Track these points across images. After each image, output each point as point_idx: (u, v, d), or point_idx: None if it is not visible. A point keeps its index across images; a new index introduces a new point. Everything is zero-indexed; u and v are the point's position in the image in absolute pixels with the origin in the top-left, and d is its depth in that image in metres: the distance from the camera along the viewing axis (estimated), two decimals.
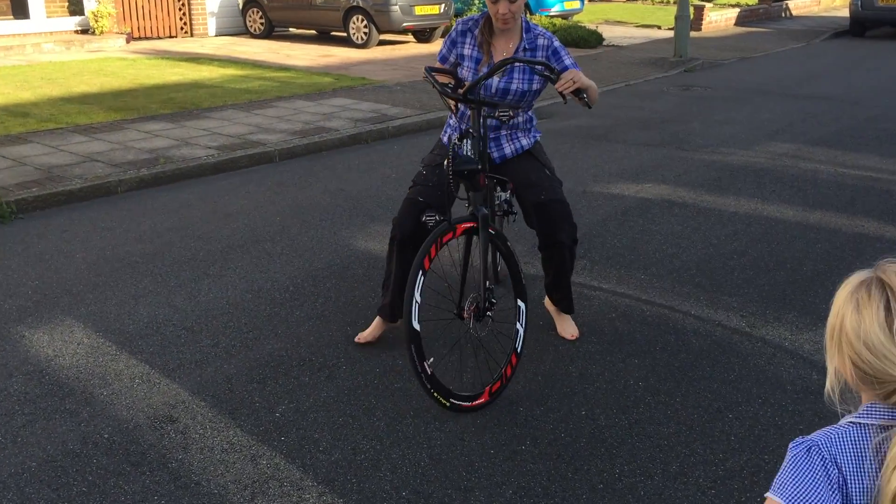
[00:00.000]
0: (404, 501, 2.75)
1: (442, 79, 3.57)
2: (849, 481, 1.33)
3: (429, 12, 15.12)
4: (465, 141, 3.28)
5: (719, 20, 20.47)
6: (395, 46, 15.43)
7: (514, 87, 3.64)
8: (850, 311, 1.36)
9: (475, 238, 3.39)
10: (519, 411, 3.31)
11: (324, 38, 16.49)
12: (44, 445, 3.01)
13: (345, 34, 15.11)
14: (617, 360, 3.75)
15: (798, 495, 1.33)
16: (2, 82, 10.23)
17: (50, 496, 2.76)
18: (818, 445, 1.35)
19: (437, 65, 3.72)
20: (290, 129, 8.15)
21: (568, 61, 3.64)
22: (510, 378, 3.43)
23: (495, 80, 3.60)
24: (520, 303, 3.56)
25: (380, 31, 14.80)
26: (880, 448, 1.31)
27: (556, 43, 3.70)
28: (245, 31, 16.53)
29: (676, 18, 14.09)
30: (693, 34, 16.42)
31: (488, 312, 3.43)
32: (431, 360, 3.19)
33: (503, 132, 3.78)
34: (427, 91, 10.76)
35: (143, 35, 15.30)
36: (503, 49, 3.66)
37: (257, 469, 2.91)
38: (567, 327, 3.99)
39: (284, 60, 13.09)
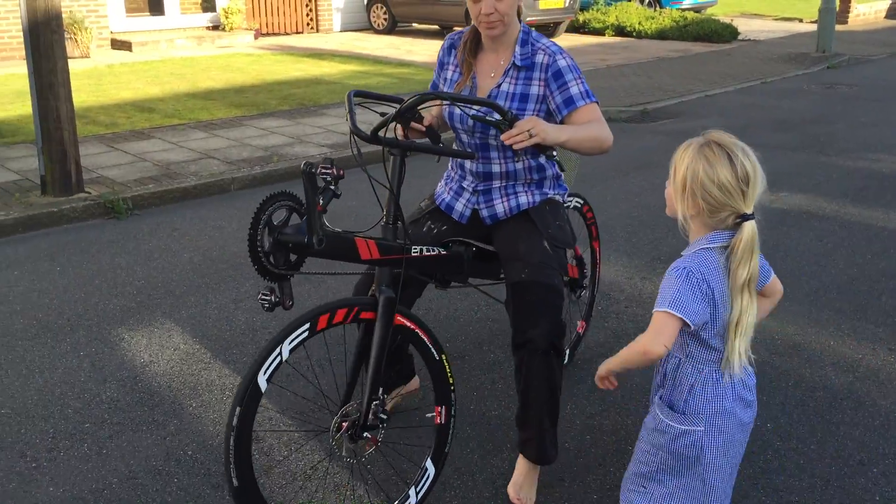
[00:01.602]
0: None
1: (382, 107, 2.64)
2: (714, 291, 1.91)
3: (553, 6, 14.75)
4: (325, 193, 2.23)
5: (868, 13, 19.11)
6: None
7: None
8: (702, 166, 1.89)
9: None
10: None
11: (446, 33, 16.37)
12: (127, 460, 2.92)
13: None
14: None
15: (683, 306, 1.87)
16: (134, 77, 10.57)
17: None
18: (692, 269, 1.90)
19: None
20: None
21: (575, 89, 2.62)
22: None
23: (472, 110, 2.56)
24: (428, 464, 2.60)
25: None
26: (727, 262, 1.92)
27: (563, 62, 2.63)
28: (369, 27, 16.63)
29: (820, 11, 13.21)
30: (838, 28, 15.35)
31: (366, 433, 2.42)
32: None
33: (496, 184, 2.81)
34: None
35: (270, 31, 15.61)
36: (491, 67, 2.73)
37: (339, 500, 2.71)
38: (523, 487, 2.68)
39: (405, 56, 13.03)
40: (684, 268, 1.91)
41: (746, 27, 16.99)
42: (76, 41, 11.94)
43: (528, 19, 14.18)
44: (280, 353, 2.20)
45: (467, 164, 2.83)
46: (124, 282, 4.50)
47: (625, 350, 2.03)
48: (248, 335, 3.87)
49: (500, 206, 2.81)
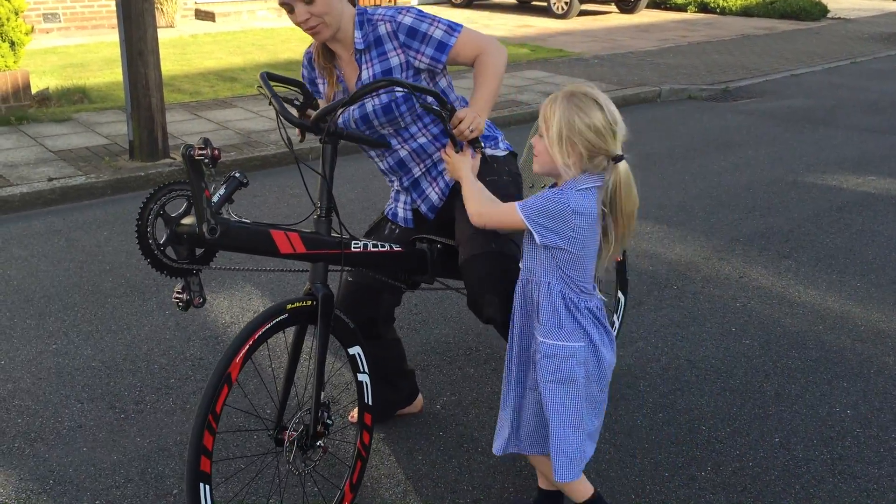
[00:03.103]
0: None
1: (285, 92, 2.45)
2: (584, 226, 2.05)
3: None
4: (225, 185, 2.08)
5: None
6: (596, 17, 14.90)
7: (369, 107, 2.47)
8: (576, 114, 2.00)
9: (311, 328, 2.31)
10: (701, 430, 2.96)
11: (524, 7, 16.21)
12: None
13: (545, 4, 14.76)
14: (822, 380, 3.29)
15: (539, 215, 2.05)
16: (217, 47, 10.79)
17: None
18: (573, 206, 2.03)
19: None
20: None
21: (437, 32, 2.43)
22: None
23: (346, 113, 2.49)
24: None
25: (581, 1, 14.33)
26: (603, 199, 2.05)
27: (408, 18, 2.44)
28: (447, 0, 16.57)
29: None
30: None
31: (319, 442, 2.32)
32: None
33: (416, 172, 2.62)
34: (627, 64, 10.26)
35: None
36: (347, 64, 2.55)
37: (413, 464, 2.77)
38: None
39: (482, 30, 12.97)
40: (570, 204, 2.03)
41: (836, 5, 16.36)
42: (162, 11, 12.24)
43: None
44: (204, 430, 2.02)
45: (383, 165, 2.66)
46: None
47: (476, 193, 2.24)
48: None
49: (433, 194, 2.64)
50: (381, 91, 2.42)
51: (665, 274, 4.29)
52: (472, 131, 2.32)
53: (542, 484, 2.45)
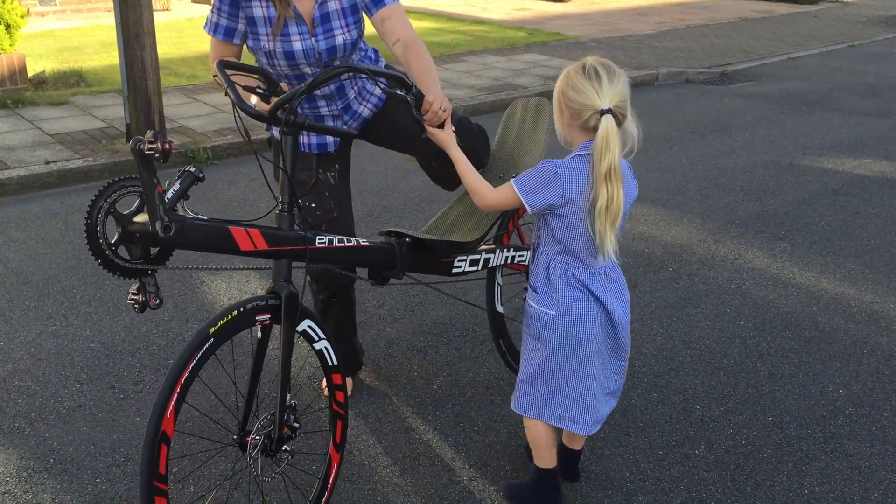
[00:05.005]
0: None
1: (245, 81, 2.32)
2: (572, 190, 2.12)
3: None
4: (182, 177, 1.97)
5: None
6: (593, 0, 14.85)
7: (339, 40, 2.53)
8: (562, 80, 2.13)
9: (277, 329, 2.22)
10: (695, 409, 2.99)
11: None
12: (208, 395, 3.06)
13: None
14: (815, 360, 3.32)
15: (530, 186, 2.15)
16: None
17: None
18: (560, 172, 2.12)
19: (227, 51, 2.52)
20: (478, 84, 7.98)
21: None
22: None
23: (304, 43, 2.47)
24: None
25: None
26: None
27: None
28: None
29: None
30: None
31: (285, 446, 2.24)
32: None
33: (351, 95, 2.68)
34: (624, 48, 10.24)
35: None
36: None
37: (409, 443, 2.80)
38: None
39: (480, 14, 12.92)
40: (555, 170, 2.13)
41: None
42: None
43: None
44: (166, 440, 1.94)
45: (318, 93, 2.62)
46: None
47: (474, 175, 2.29)
48: None
49: (366, 110, 2.71)
50: (350, 27, 2.53)
51: (661, 256, 4.31)
52: (444, 111, 2.33)
53: (540, 463, 2.48)
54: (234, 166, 5.80)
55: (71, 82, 7.74)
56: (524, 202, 2.16)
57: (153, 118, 5.85)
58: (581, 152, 2.14)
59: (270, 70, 2.56)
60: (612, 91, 2.07)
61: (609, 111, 2.06)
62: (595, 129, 2.07)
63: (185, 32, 10.54)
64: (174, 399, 1.93)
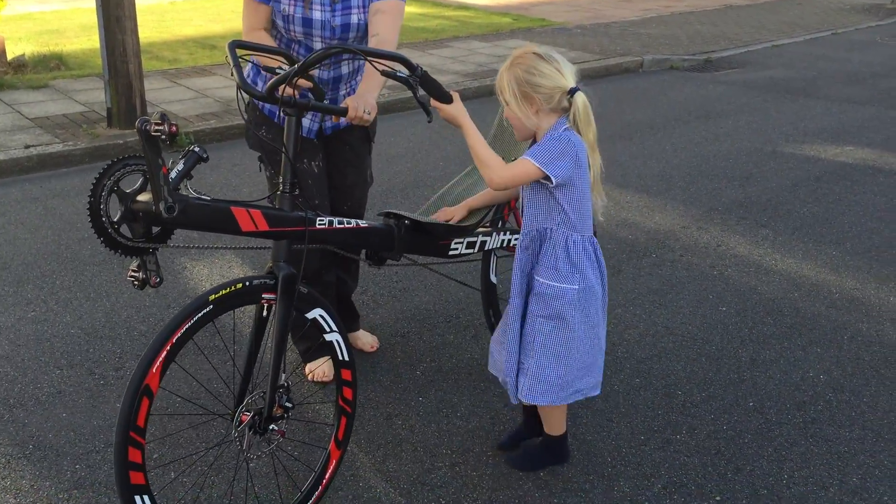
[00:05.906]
0: (541, 482, 2.55)
1: (267, 62, 2.38)
2: (582, 156, 2.20)
3: None
4: (184, 158, 2.00)
5: None
6: None
7: (354, 19, 2.61)
8: (519, 70, 2.19)
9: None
10: (677, 395, 3.01)
11: None
12: (190, 381, 3.04)
13: None
14: (796, 346, 3.34)
15: (550, 157, 2.17)
16: (196, 14, 10.65)
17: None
18: (571, 139, 2.18)
19: (257, 25, 2.59)
20: (463, 70, 7.96)
21: None
22: None
23: (324, 14, 2.57)
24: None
25: None
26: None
27: None
28: None
29: None
30: None
31: (273, 426, 2.20)
32: None
33: (343, 92, 2.75)
34: (609, 34, 10.23)
35: None
36: None
37: (392, 429, 2.79)
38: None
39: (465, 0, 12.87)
40: (570, 139, 2.18)
41: None
42: None
43: None
44: (149, 394, 1.94)
45: (321, 75, 2.67)
46: None
47: (486, 150, 2.24)
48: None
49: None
50: (366, 9, 2.60)
51: (644, 242, 4.32)
52: (368, 114, 2.29)
53: (552, 431, 2.57)
54: (216, 151, 5.75)
55: (51, 66, 7.64)
56: (547, 172, 2.17)
57: (134, 102, 5.79)
58: (567, 126, 2.22)
59: (284, 34, 2.64)
60: (569, 70, 2.21)
61: (577, 88, 2.19)
62: (564, 108, 2.21)
63: (167, 16, 10.44)
64: (162, 356, 1.93)
